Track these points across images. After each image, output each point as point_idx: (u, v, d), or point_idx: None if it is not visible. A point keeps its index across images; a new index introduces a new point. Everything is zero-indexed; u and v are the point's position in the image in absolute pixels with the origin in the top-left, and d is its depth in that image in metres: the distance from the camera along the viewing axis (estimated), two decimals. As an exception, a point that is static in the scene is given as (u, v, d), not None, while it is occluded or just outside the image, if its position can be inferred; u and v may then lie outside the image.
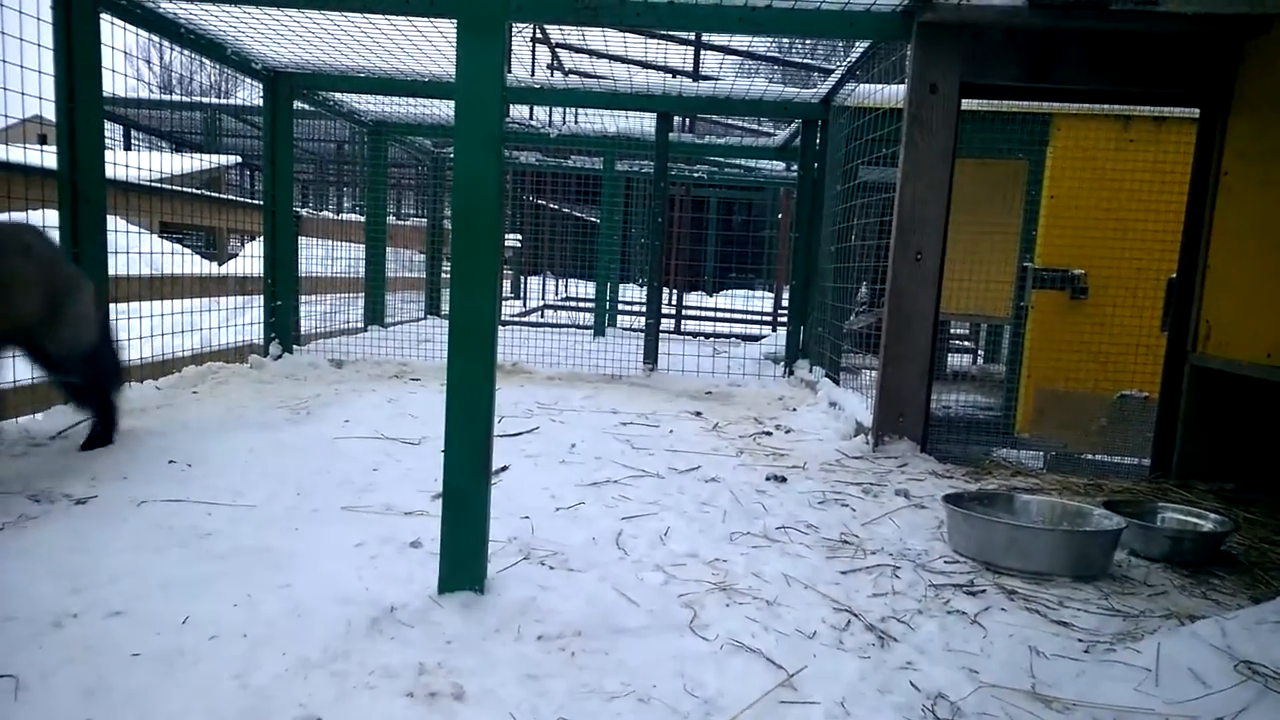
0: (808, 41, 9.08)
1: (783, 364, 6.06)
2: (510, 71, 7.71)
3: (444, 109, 6.37)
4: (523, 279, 11.82)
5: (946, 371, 6.65)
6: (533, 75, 8.56)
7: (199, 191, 5.54)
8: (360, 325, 6.74)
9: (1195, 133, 3.44)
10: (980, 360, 7.78)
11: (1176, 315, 3.48)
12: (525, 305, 11.04)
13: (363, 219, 6.91)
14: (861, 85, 4.57)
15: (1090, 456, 3.83)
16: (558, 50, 9.31)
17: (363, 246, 6.80)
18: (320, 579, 1.86)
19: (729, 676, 1.56)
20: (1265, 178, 3.06)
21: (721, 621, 1.79)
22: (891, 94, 3.96)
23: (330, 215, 8.69)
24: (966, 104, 3.47)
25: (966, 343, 8.52)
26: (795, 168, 6.08)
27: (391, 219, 7.93)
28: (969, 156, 4.49)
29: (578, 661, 1.58)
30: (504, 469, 2.89)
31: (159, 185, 4.45)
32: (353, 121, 6.53)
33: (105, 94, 3.43)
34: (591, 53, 8.90)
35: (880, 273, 3.65)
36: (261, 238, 5.21)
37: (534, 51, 9.53)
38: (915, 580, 2.10)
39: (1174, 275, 3.52)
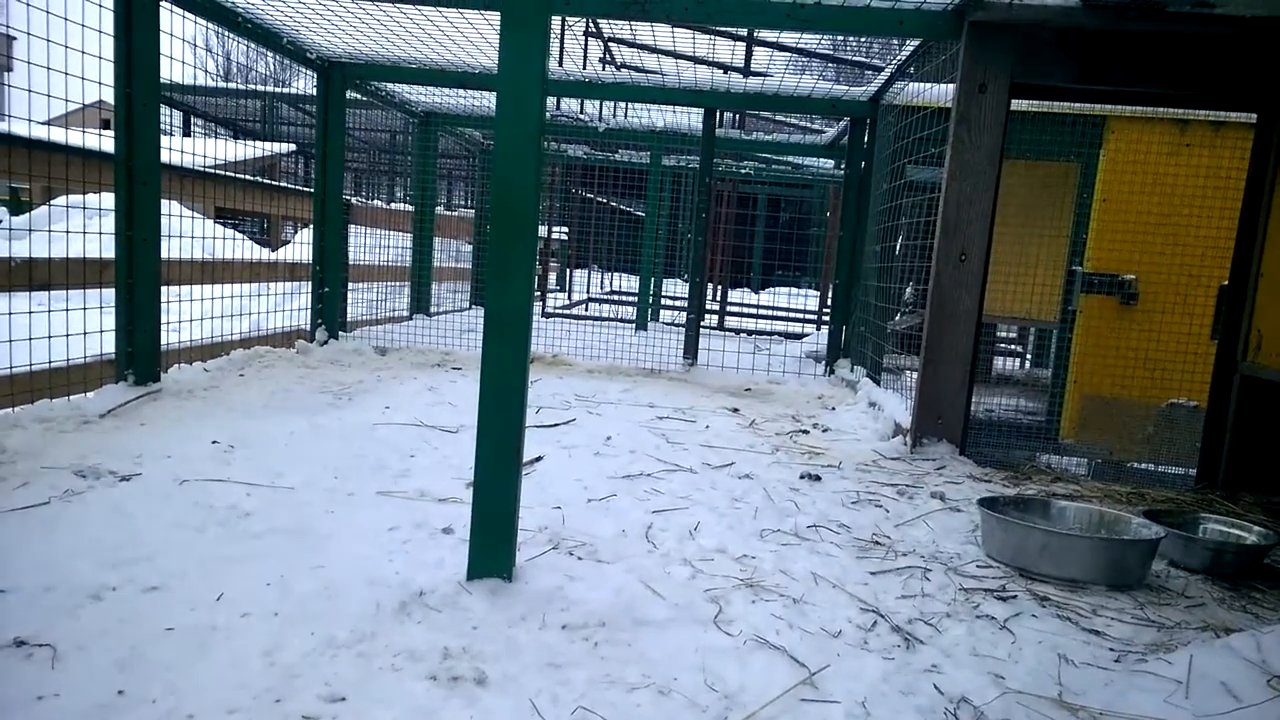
0: (862, 39, 8.97)
1: (824, 363, 6.02)
2: (560, 65, 7.76)
3: (493, 101, 6.44)
4: (569, 272, 11.89)
5: (991, 375, 6.53)
6: (584, 68, 8.60)
7: (252, 178, 5.68)
8: (405, 314, 6.86)
9: (1252, 138, 3.33)
10: (1027, 364, 7.63)
11: (1227, 323, 3.37)
12: (570, 298, 11.10)
13: (411, 208, 7.02)
14: (911, 84, 4.51)
15: (1136, 465, 3.74)
16: (610, 45, 9.34)
17: (410, 236, 6.91)
18: (352, 561, 1.91)
19: (751, 672, 1.56)
20: (1329, 184, 2.95)
21: (746, 617, 1.79)
22: (940, 93, 3.90)
23: (380, 204, 8.84)
24: (1017, 104, 3.41)
25: (1014, 346, 8.36)
26: (843, 166, 6.01)
27: (440, 209, 8.04)
28: (1019, 157, 4.40)
29: (600, 652, 1.60)
30: (538, 459, 2.92)
31: (214, 171, 4.58)
32: (404, 111, 6.64)
33: (165, 81, 3.53)
34: (642, 47, 8.92)
35: (925, 273, 3.60)
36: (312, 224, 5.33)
37: (586, 45, 9.57)
38: (945, 583, 2.08)
39: (1226, 282, 3.41)
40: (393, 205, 7.68)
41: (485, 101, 6.50)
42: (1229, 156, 3.77)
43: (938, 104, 3.91)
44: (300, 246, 6.98)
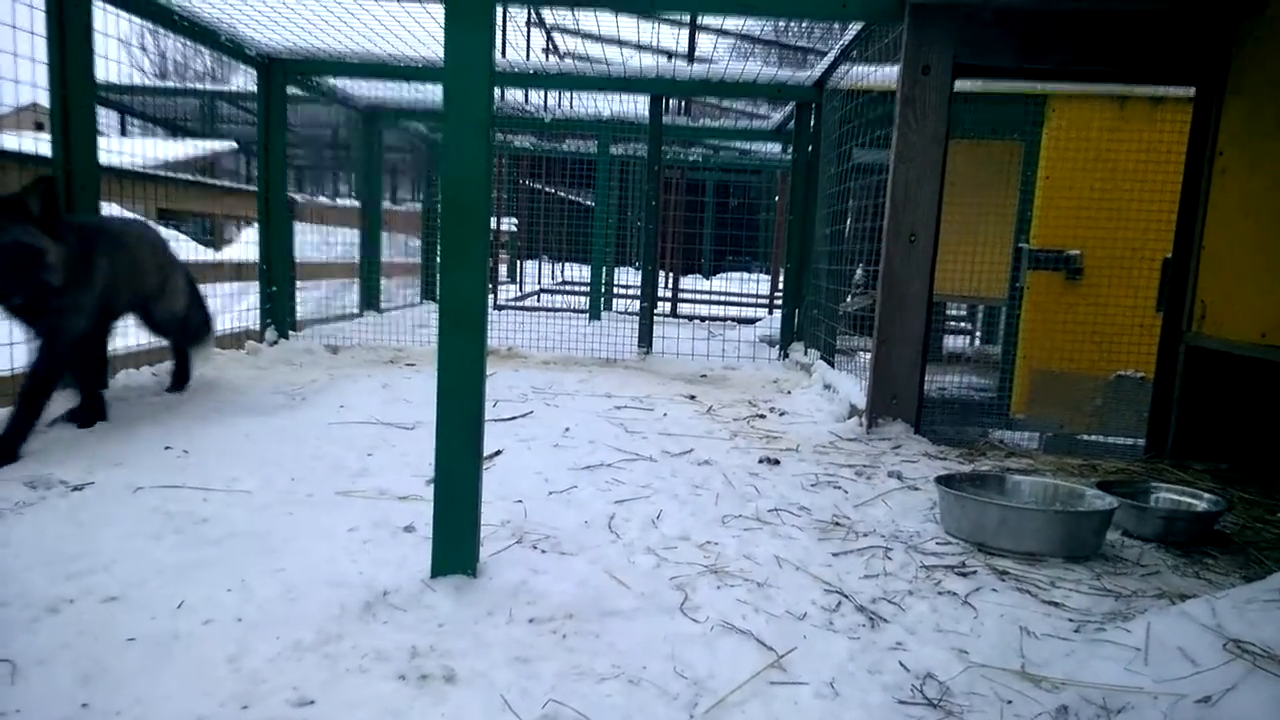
0: (805, 24, 9.02)
1: (778, 347, 6.06)
2: (504, 56, 7.67)
3: (438, 93, 6.34)
4: (519, 263, 11.80)
5: (942, 353, 6.65)
6: (528, 58, 8.50)
7: (193, 178, 5.52)
8: (356, 311, 6.73)
9: (1191, 113, 3.43)
10: (977, 342, 7.79)
11: (1172, 295, 3.48)
12: (521, 290, 11.02)
13: (358, 204, 6.89)
14: (855, 67, 4.54)
15: (1086, 437, 3.84)
16: (552, 34, 9.26)
17: (358, 232, 6.78)
18: (314, 563, 1.87)
19: (719, 658, 1.57)
20: (1258, 160, 3.05)
21: (712, 604, 1.80)
22: (885, 76, 3.94)
23: (326, 201, 8.66)
24: (961, 85, 3.46)
25: (964, 324, 8.53)
26: (790, 150, 6.05)
27: (387, 204, 7.91)
28: (965, 138, 4.47)
29: (568, 644, 1.59)
30: (498, 453, 2.89)
31: (154, 171, 4.43)
32: (347, 107, 6.50)
33: (100, 81, 3.42)
34: (586, 35, 8.85)
35: (875, 255, 3.65)
36: (257, 224, 5.20)
37: (529, 35, 9.47)
38: (907, 562, 2.11)
39: (1169, 255, 3.51)
40: (339, 201, 7.53)
41: (430, 94, 6.40)
42: (1168, 131, 3.88)
43: (883, 87, 3.95)
44: (245, 246, 6.80)
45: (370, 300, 6.86)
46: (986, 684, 1.51)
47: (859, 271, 5.52)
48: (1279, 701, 1.32)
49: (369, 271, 6.84)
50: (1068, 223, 4.20)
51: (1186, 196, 3.44)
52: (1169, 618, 1.63)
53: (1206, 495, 2.54)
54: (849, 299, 5.43)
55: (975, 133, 4.44)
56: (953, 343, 7.81)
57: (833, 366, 4.77)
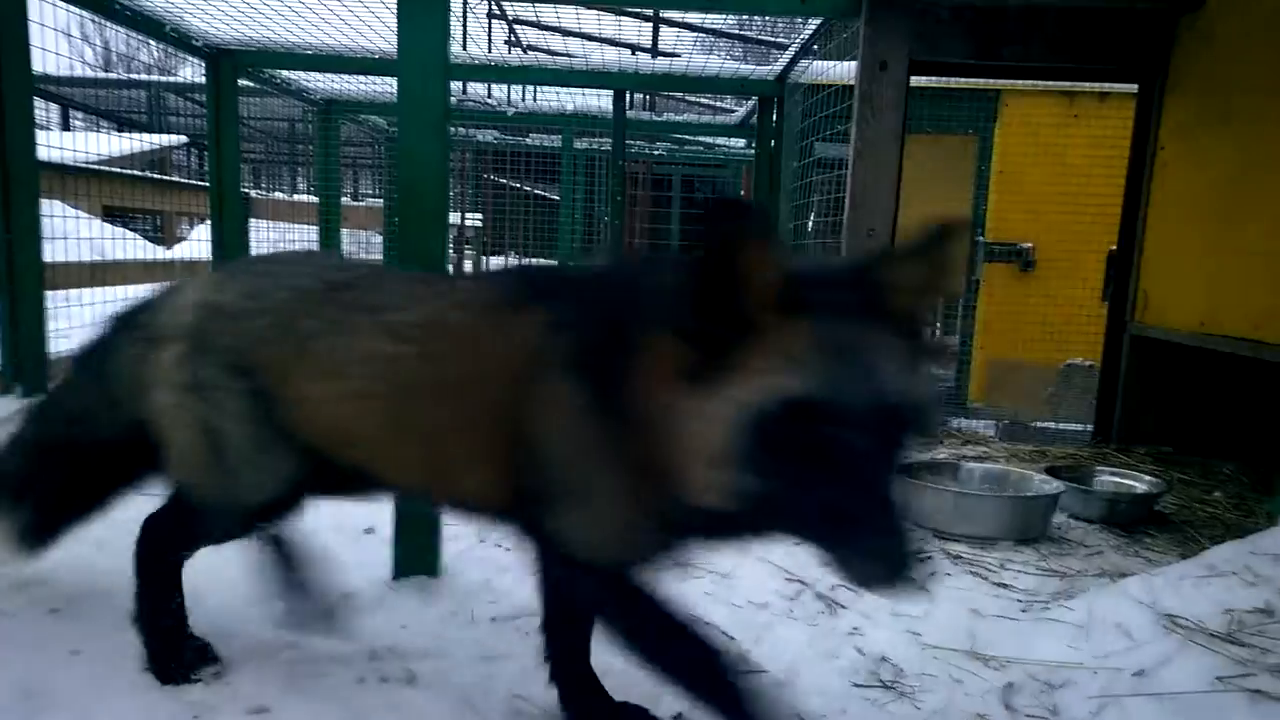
0: (767, 18, 9.07)
1: (742, 340, 6.10)
2: (465, 49, 7.60)
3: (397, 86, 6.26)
4: (485, 260, 11.72)
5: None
6: (489, 51, 8.44)
7: (140, 173, 5.40)
8: (316, 308, 6.63)
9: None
10: (936, 332, 7.90)
11: (1117, 286, 3.57)
12: (486, 285, 10.93)
13: (316, 200, 6.79)
14: (815, 62, 4.58)
15: (1039, 424, 3.93)
16: (515, 26, 9.19)
17: (316, 228, 6.69)
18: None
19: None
20: (1198, 153, 3.14)
21: (679, 596, 1.81)
22: (844, 71, 3.99)
23: (283, 196, 8.52)
24: (917, 81, 3.51)
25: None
26: (753, 145, 6.09)
27: (346, 200, 7.81)
28: (922, 133, 4.54)
29: (532, 641, 1.59)
30: (461, 451, 2.88)
31: (98, 167, 4.33)
32: (302, 100, 6.39)
33: (39, 72, 3.32)
34: (548, 28, 8.80)
35: (838, 250, 3.69)
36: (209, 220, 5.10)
37: (490, 27, 9.39)
38: (865, 550, 2.14)
39: (1114, 247, 3.60)
40: (295, 197, 7.42)
41: (389, 87, 6.32)
42: (1115, 126, 3.97)
43: (842, 82, 3.99)
44: (198, 244, 6.68)
45: (330, 297, 6.76)
46: (938, 665, 1.55)
47: (820, 265, 5.58)
48: (1208, 673, 1.37)
49: (329, 268, 6.73)
50: (1020, 216, 4.29)
51: (1130, 190, 3.53)
52: (1109, 596, 1.69)
53: (1148, 477, 2.62)
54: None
55: (932, 128, 4.51)
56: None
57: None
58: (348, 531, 2.09)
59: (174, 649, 1.44)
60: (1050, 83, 4.20)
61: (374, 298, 1.35)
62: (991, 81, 4.22)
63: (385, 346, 1.29)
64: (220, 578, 1.80)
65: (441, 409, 1.27)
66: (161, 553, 1.50)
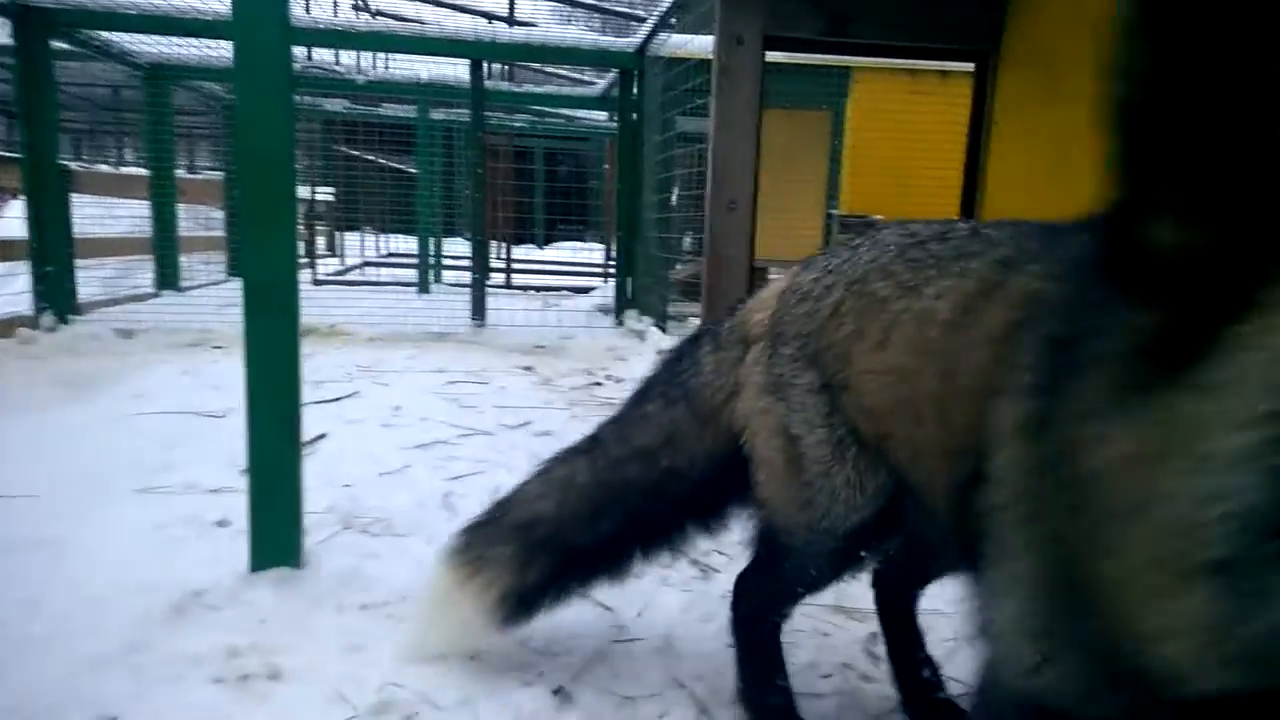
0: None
1: (613, 315, 6.13)
2: (308, 12, 7.17)
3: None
4: (339, 235, 11.19)
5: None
6: (335, 15, 8.00)
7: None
8: (152, 291, 6.15)
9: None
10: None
11: (960, 256, 3.80)
12: (344, 264, 10.46)
13: (147, 173, 6.26)
14: (674, 36, 4.61)
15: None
16: (362, -10, 8.75)
17: (149, 203, 6.17)
18: (115, 568, 1.71)
19: (560, 625, 1.58)
20: (1028, 127, 3.38)
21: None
22: (702, 45, 4.03)
23: (108, 169, 7.82)
24: (773, 57, 3.59)
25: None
26: (616, 118, 6.08)
27: (182, 172, 7.25)
28: (780, 107, 4.66)
29: (405, 627, 1.55)
30: (321, 436, 2.75)
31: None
32: (127, 64, 5.85)
33: None
34: (399, -7, 8.44)
35: (701, 222, 3.74)
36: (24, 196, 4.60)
37: (336, -10, 8.89)
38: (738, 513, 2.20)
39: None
40: (124, 170, 6.82)
41: (225, 51, 5.89)
42: (957, 102, 4.21)
43: (701, 55, 4.03)
44: (11, 221, 6.02)
45: (168, 278, 6.28)
46: (808, 620, 1.62)
47: (688, 239, 5.67)
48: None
49: (164, 247, 6.24)
50: (871, 189, 4.49)
51: (970, 163, 3.76)
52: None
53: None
54: (678, 266, 5.57)
55: (789, 103, 4.63)
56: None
57: (666, 332, 4.89)
58: (199, 524, 1.97)
59: None
60: (896, 60, 4.40)
61: (946, 249, 1.04)
62: (843, 59, 4.38)
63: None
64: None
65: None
66: (758, 615, 1.29)
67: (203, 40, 5.46)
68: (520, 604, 1.35)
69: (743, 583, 1.32)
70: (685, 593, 1.73)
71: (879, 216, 4.56)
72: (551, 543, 1.33)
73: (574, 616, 1.61)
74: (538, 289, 9.03)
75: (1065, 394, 0.64)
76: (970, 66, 3.84)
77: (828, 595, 1.70)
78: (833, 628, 1.59)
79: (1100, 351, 0.57)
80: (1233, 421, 0.43)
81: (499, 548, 1.35)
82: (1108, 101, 0.48)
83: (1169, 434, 0.46)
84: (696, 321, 3.82)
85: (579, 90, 7.27)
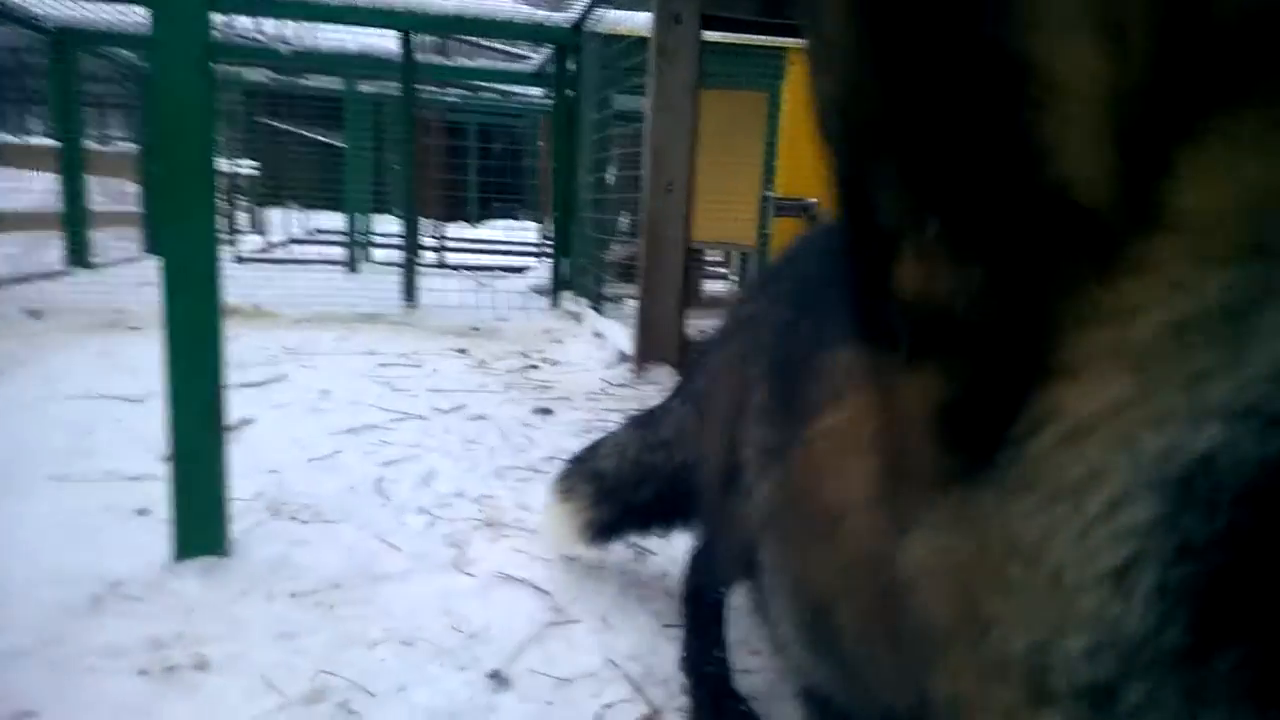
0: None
1: (549, 296, 6.08)
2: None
3: (147, 16, 5.56)
4: (261, 211, 10.81)
5: (702, 297, 7.01)
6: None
7: None
8: (61, 269, 5.85)
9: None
10: (734, 285, 8.27)
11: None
12: (267, 241, 10.12)
13: (54, 144, 5.93)
14: (611, 12, 4.57)
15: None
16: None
17: (57, 177, 5.85)
18: (26, 561, 1.63)
19: (495, 609, 1.58)
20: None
21: (488, 557, 1.80)
22: (640, 22, 4.00)
23: (10, 139, 7.38)
24: (711, 36, 3.58)
25: (722, 269, 9.01)
26: (552, 94, 6.00)
27: (93, 144, 6.89)
28: (717, 88, 4.66)
29: (337, 614, 1.52)
30: (246, 422, 2.67)
31: None
32: (29, 28, 5.52)
33: None
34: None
35: (638, 203, 3.73)
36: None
37: (257, -45, 8.53)
38: (672, 495, 2.22)
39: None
40: (29, 140, 6.46)
41: (138, 16, 5.60)
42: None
43: (639, 32, 4.00)
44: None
45: (78, 256, 5.98)
46: (737, 598, 1.64)
47: (625, 220, 5.65)
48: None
49: (73, 222, 5.94)
50: (806, 172, 4.54)
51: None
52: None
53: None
54: (615, 247, 5.55)
55: (726, 83, 4.64)
56: (711, 287, 8.23)
57: (602, 314, 4.87)
58: (117, 512, 1.89)
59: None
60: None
61: None
62: (779, 40, 4.40)
63: None
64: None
65: None
66: (701, 590, 1.41)
67: (115, 4, 5.18)
68: (598, 532, 1.60)
69: (692, 559, 1.47)
70: (622, 575, 1.74)
71: (814, 200, 4.62)
72: (613, 495, 1.58)
73: (510, 599, 1.61)
74: (471, 268, 8.90)
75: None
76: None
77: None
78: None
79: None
80: (1072, 530, 0.30)
81: (582, 485, 1.62)
82: (819, 106, 0.37)
83: (985, 543, 0.33)
84: (633, 304, 3.81)
85: (514, 65, 7.15)
